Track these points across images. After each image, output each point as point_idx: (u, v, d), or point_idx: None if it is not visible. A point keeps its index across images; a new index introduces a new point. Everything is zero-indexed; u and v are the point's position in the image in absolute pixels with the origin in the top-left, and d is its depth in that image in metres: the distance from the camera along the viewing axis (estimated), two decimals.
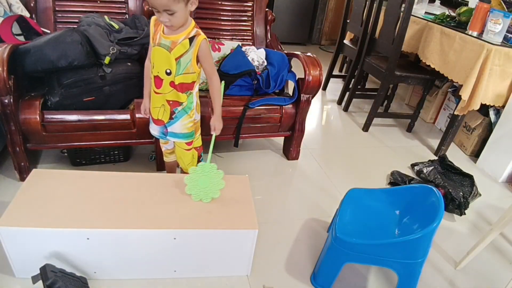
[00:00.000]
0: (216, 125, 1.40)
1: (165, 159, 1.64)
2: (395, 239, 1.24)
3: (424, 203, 1.29)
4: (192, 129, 1.45)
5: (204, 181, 1.29)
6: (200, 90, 2.00)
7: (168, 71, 1.28)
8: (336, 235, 1.21)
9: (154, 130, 1.47)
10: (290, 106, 1.92)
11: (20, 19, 1.74)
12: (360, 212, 1.39)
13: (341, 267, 1.25)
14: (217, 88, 1.38)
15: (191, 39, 1.25)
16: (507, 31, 2.06)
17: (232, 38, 2.18)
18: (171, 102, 1.35)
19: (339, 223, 1.28)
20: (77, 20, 1.77)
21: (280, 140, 2.25)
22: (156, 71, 1.30)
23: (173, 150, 1.56)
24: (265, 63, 2.00)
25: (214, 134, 1.40)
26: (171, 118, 1.39)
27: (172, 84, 1.30)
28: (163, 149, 1.59)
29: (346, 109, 2.94)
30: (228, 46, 2.03)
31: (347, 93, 2.97)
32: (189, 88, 1.34)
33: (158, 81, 1.31)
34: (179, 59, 1.26)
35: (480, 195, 1.90)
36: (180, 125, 1.40)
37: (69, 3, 1.89)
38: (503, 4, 2.21)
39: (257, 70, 1.95)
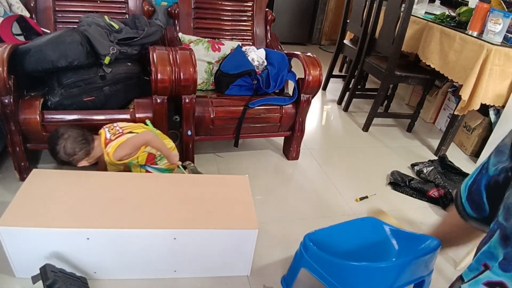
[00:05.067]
0: (171, 160, 1.58)
1: None
2: (362, 264, 1.04)
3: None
4: None
5: None
6: (199, 90, 2.01)
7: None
8: (305, 237, 1.15)
9: None
10: (290, 106, 1.92)
11: (20, 19, 1.74)
12: (361, 239, 1.25)
13: (299, 270, 1.20)
14: (153, 141, 1.52)
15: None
16: (507, 31, 2.06)
17: (232, 38, 2.18)
18: None
19: (322, 231, 1.19)
20: (77, 20, 1.77)
21: (280, 140, 2.25)
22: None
23: None
24: (265, 63, 2.00)
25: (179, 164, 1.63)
26: None
27: None
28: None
29: (346, 109, 2.94)
30: (228, 46, 2.04)
31: (347, 93, 2.97)
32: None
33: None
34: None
35: None
36: None
37: (69, 3, 1.89)
38: (503, 4, 2.21)
39: (257, 70, 1.95)
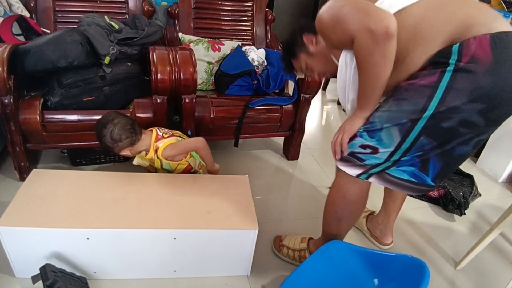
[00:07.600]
0: (213, 171, 1.61)
1: None
2: None
3: (408, 278, 1.09)
4: None
5: None
6: (199, 90, 2.01)
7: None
8: None
9: None
10: (290, 106, 1.92)
11: (20, 19, 1.74)
12: (331, 272, 1.17)
13: None
14: (203, 149, 1.52)
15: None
16: None
17: (232, 38, 2.18)
18: None
19: (293, 276, 1.09)
20: (77, 20, 1.77)
21: (280, 140, 2.25)
22: None
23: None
24: (265, 63, 2.00)
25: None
26: None
27: None
28: None
29: None
30: (228, 46, 2.04)
31: None
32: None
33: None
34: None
35: (480, 195, 1.90)
36: None
37: (69, 3, 1.89)
38: (503, 4, 2.21)
39: (257, 70, 1.95)
